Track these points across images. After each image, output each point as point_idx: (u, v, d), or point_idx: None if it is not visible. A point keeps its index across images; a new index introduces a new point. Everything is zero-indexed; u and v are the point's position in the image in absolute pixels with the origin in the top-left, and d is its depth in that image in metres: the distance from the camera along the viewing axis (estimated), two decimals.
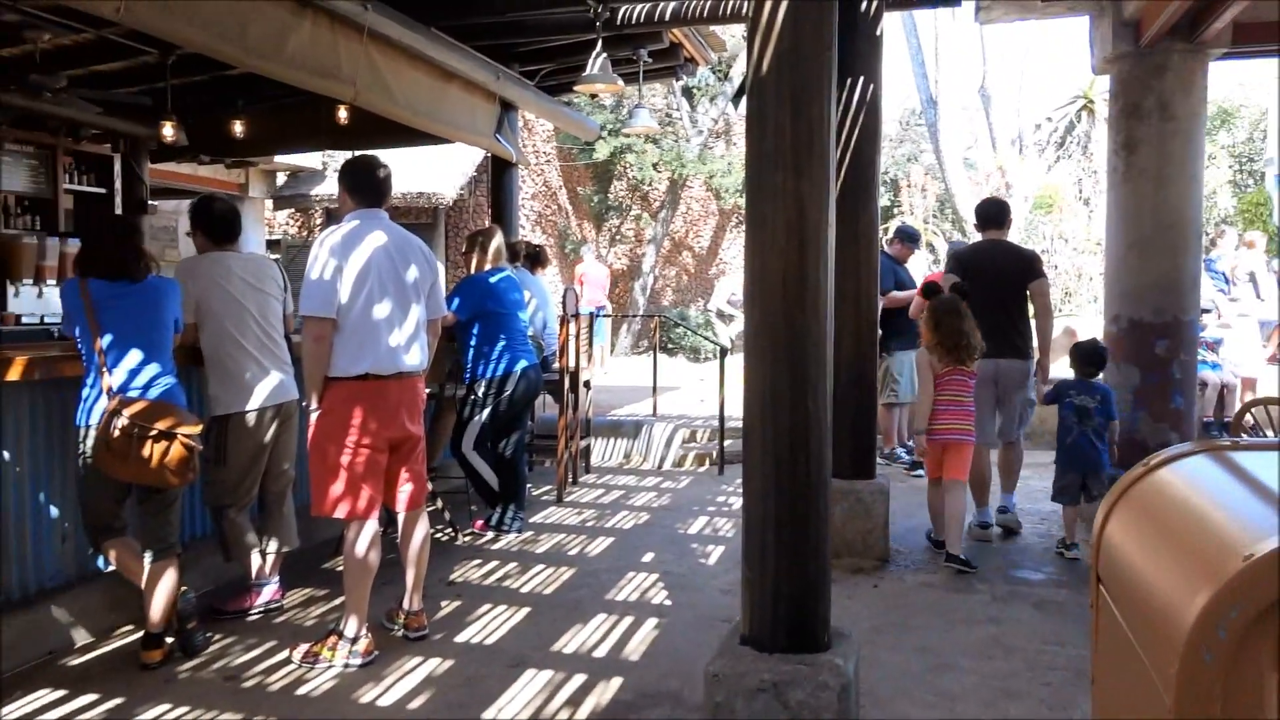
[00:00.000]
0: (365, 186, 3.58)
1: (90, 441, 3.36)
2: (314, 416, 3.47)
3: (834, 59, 2.61)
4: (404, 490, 3.67)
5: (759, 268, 2.59)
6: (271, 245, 14.02)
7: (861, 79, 4.75)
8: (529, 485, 6.28)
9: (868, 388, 4.84)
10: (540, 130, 16.48)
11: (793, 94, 2.45)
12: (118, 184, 8.72)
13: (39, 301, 7.60)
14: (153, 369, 3.46)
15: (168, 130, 6.87)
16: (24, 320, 7.45)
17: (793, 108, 2.45)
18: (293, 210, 15.07)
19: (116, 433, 3.28)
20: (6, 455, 3.51)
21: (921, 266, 8.72)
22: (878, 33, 4.88)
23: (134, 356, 3.43)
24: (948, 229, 15.98)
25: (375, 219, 3.57)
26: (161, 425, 3.34)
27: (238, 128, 7.76)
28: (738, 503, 6.10)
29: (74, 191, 8.46)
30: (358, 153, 3.95)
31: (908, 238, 7.24)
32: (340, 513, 3.46)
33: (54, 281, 7.66)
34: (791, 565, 2.52)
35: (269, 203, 13.02)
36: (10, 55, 6.26)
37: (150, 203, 8.96)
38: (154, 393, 3.44)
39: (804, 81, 2.45)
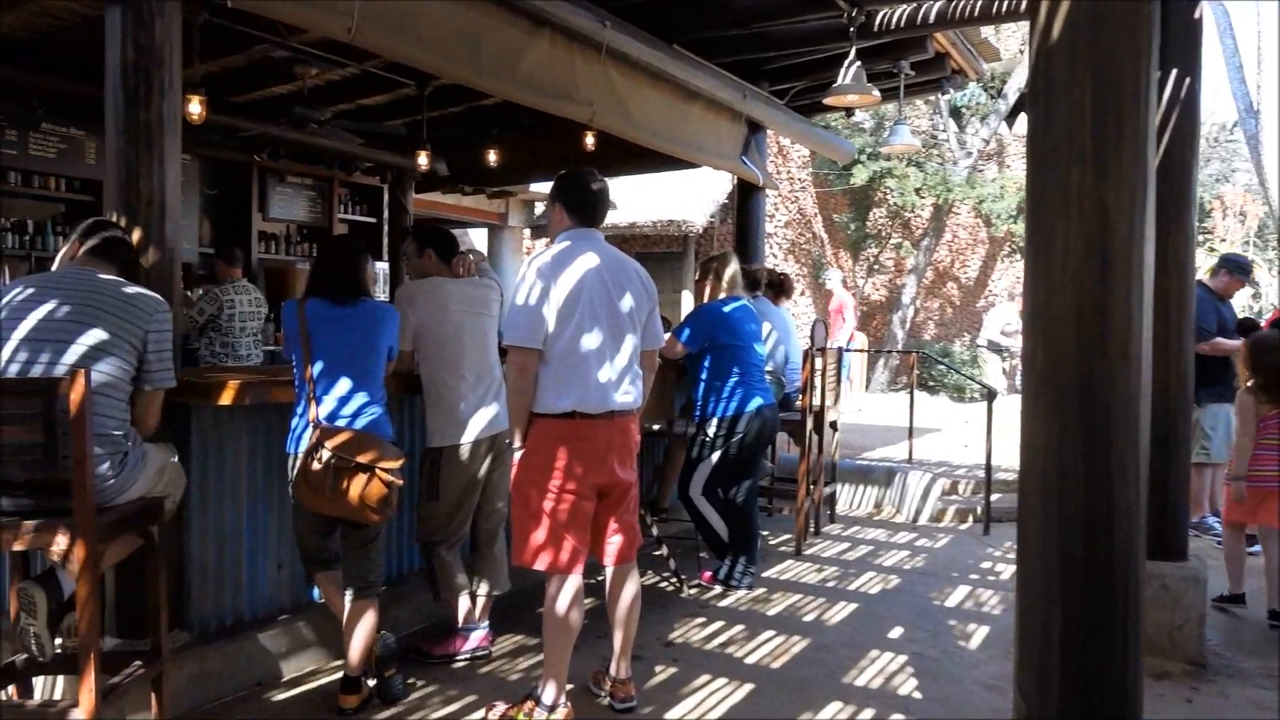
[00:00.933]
0: (579, 203, 3.26)
1: (296, 470, 3.25)
2: (516, 455, 3.17)
3: (1155, 22, 1.96)
4: (612, 542, 3.29)
5: (1042, 297, 1.97)
6: None
7: (1175, 71, 3.90)
8: (765, 533, 5.77)
9: (1177, 448, 3.93)
10: (795, 155, 15.99)
11: (1094, 61, 1.82)
12: (385, 214, 9.20)
13: None
14: (361, 398, 3.31)
15: (422, 160, 7.05)
16: None
17: (1095, 79, 1.82)
18: (549, 239, 15.47)
19: (316, 465, 3.14)
20: (225, 480, 3.49)
21: (1240, 301, 7.38)
22: (1195, 15, 4.02)
23: (343, 385, 3.28)
24: (1271, 258, 13.80)
25: (588, 240, 3.24)
26: (362, 458, 3.16)
27: (492, 157, 7.90)
28: (1006, 571, 5.29)
29: (347, 221, 9.01)
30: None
31: (1237, 268, 5.92)
32: (541, 564, 3.13)
33: None
34: (1086, 709, 1.85)
35: (527, 231, 13.40)
36: (284, 92, 6.63)
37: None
38: (360, 423, 3.28)
39: (1112, 45, 1.82)
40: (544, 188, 11.46)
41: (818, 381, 5.63)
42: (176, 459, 3.11)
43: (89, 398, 2.55)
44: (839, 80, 5.49)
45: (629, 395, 3.22)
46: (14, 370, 2.67)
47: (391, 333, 3.49)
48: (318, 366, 3.25)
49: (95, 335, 2.73)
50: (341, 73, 6.50)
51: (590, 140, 7.28)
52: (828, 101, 5.69)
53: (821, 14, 5.56)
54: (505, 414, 3.81)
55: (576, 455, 3.10)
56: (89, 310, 2.75)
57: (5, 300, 2.78)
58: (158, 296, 2.93)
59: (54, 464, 2.57)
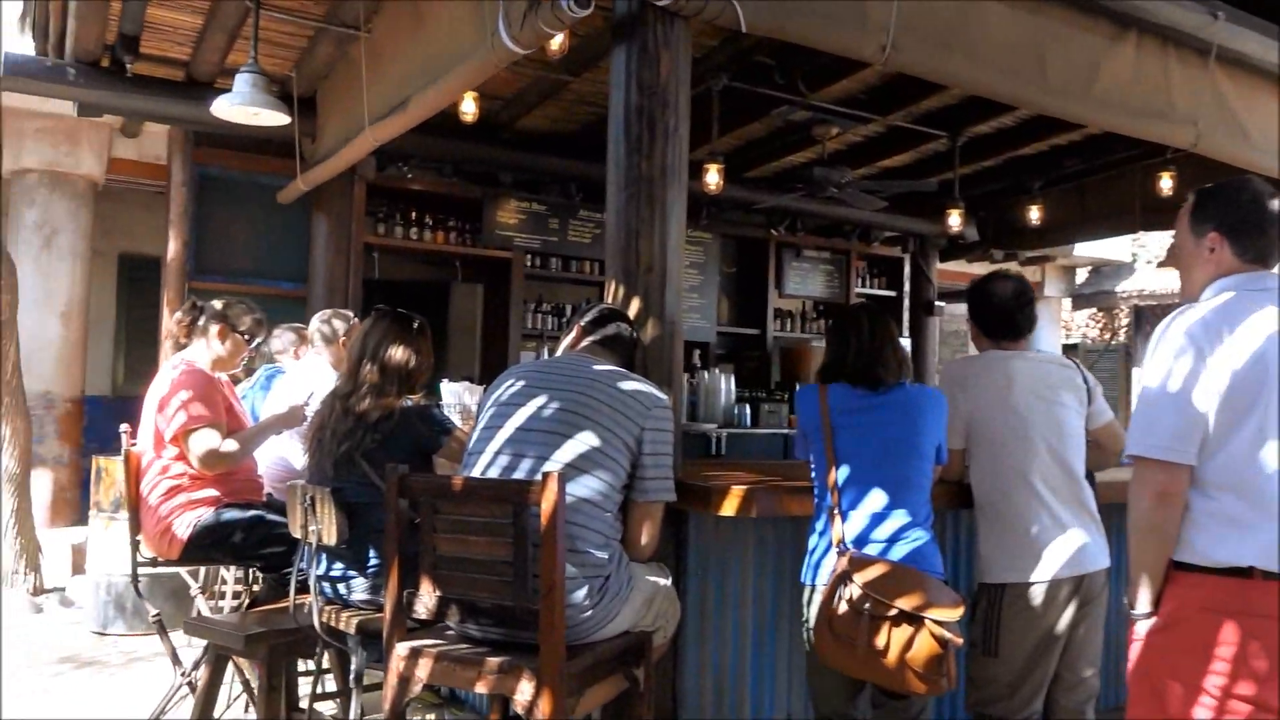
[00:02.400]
0: (1248, 222, 2.07)
1: (814, 609, 2.47)
2: (1140, 627, 2.03)
3: None
4: None
5: None
6: (1068, 350, 12.65)
7: None
8: None
9: None
10: None
11: None
12: (906, 286, 8.45)
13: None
14: (900, 517, 2.46)
15: (954, 219, 6.15)
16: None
17: None
18: (1093, 311, 13.50)
19: (844, 606, 2.33)
20: (727, 607, 2.83)
21: None
22: None
23: (876, 498, 2.46)
24: None
25: (1263, 289, 2.04)
26: (904, 603, 2.28)
27: (1032, 214, 6.74)
28: None
29: (865, 294, 8.48)
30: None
31: None
32: None
33: None
34: None
35: (1066, 302, 11.73)
36: (801, 161, 6.21)
37: (938, 304, 8.44)
38: (899, 551, 2.43)
39: None
40: (1091, 252, 9.91)
41: None
42: (669, 582, 2.51)
43: (563, 509, 2.02)
44: None
45: None
46: (494, 474, 2.28)
47: (938, 427, 2.60)
48: (843, 471, 2.47)
49: (585, 439, 2.25)
50: (863, 132, 5.91)
51: (1168, 181, 5.87)
52: None
53: None
54: (1100, 546, 2.69)
55: (1256, 639, 1.89)
56: (581, 406, 2.29)
57: (494, 395, 2.45)
58: (658, 392, 2.38)
59: (523, 588, 2.07)
